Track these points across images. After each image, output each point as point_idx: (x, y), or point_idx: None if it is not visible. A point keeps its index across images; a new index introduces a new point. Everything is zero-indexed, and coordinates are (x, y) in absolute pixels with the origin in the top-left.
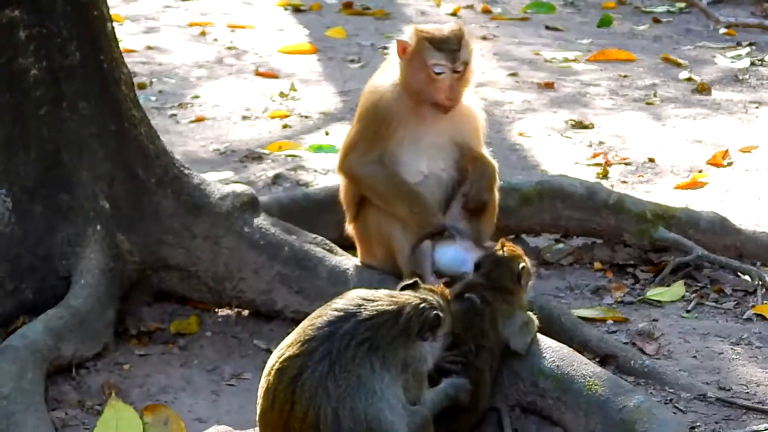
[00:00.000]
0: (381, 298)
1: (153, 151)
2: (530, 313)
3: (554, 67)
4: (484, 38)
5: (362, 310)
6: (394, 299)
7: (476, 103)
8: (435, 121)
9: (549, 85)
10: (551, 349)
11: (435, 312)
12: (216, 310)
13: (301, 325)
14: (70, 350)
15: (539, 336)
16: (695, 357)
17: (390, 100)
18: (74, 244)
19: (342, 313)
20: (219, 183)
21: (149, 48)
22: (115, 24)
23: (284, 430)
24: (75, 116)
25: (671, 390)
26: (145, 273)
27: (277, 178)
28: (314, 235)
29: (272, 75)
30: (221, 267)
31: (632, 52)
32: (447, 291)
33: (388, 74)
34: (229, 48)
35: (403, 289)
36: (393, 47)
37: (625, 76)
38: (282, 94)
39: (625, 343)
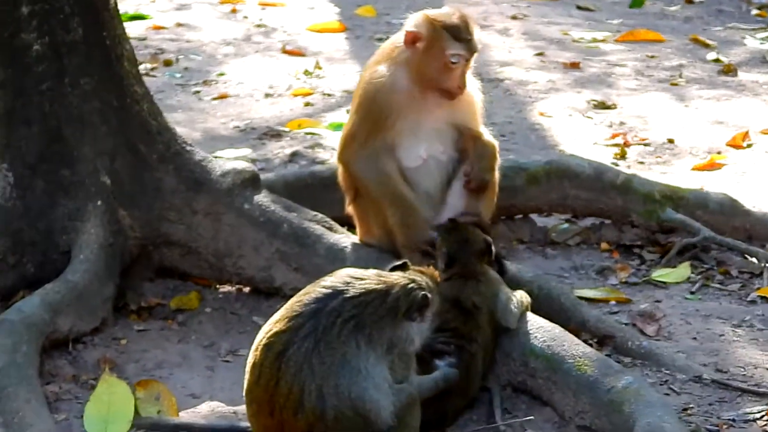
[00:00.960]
0: (370, 277)
1: (155, 127)
2: (521, 292)
3: (582, 47)
4: (514, 18)
5: (350, 288)
6: (382, 279)
7: (473, 84)
8: (435, 106)
9: (575, 65)
10: (542, 328)
11: (423, 292)
12: (217, 286)
13: (289, 302)
14: (67, 325)
15: (531, 315)
16: (695, 338)
17: (389, 91)
18: (75, 219)
19: (330, 291)
20: (221, 160)
21: (179, 25)
22: (147, 0)
23: (269, 406)
24: (77, 91)
25: (667, 371)
26: (147, 248)
27: (293, 156)
28: (314, 213)
29: (299, 53)
30: (222, 243)
31: (662, 32)
32: (436, 273)
33: (385, 62)
34: (258, 26)
35: (393, 269)
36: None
37: (652, 57)
38: (306, 72)
39: (626, 324)
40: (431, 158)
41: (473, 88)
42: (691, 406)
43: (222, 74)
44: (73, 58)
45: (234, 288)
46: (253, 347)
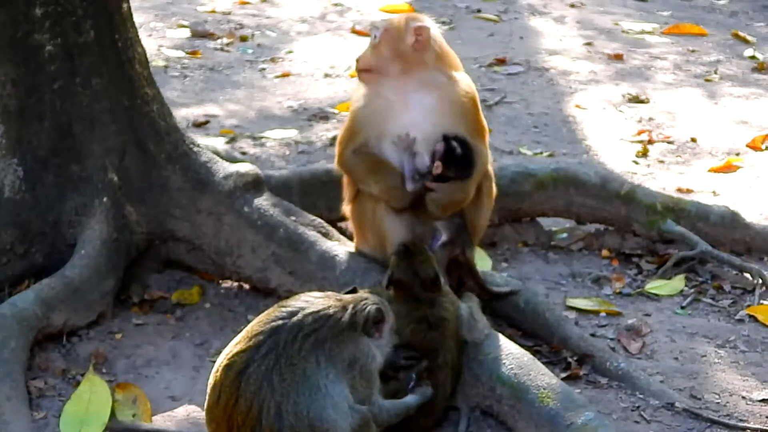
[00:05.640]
0: (327, 296)
1: (164, 127)
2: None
3: (629, 39)
4: (572, 5)
5: (309, 305)
6: (338, 298)
7: (461, 88)
8: (415, 112)
9: (618, 57)
10: (512, 355)
11: (377, 306)
12: (219, 281)
13: (249, 324)
14: (61, 319)
15: (503, 339)
16: (677, 358)
17: (364, 100)
18: (81, 214)
19: (291, 309)
20: (226, 162)
21: (263, 1)
22: None
23: (228, 424)
24: (87, 91)
25: (641, 396)
26: (154, 243)
27: (334, 140)
28: (313, 217)
29: (366, 33)
30: (223, 242)
31: (706, 26)
32: (387, 293)
33: None
34: (335, 4)
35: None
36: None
37: (693, 51)
38: None
39: (612, 339)
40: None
41: (461, 90)
42: None
43: (290, 52)
44: (84, 59)
45: (235, 284)
46: (214, 369)
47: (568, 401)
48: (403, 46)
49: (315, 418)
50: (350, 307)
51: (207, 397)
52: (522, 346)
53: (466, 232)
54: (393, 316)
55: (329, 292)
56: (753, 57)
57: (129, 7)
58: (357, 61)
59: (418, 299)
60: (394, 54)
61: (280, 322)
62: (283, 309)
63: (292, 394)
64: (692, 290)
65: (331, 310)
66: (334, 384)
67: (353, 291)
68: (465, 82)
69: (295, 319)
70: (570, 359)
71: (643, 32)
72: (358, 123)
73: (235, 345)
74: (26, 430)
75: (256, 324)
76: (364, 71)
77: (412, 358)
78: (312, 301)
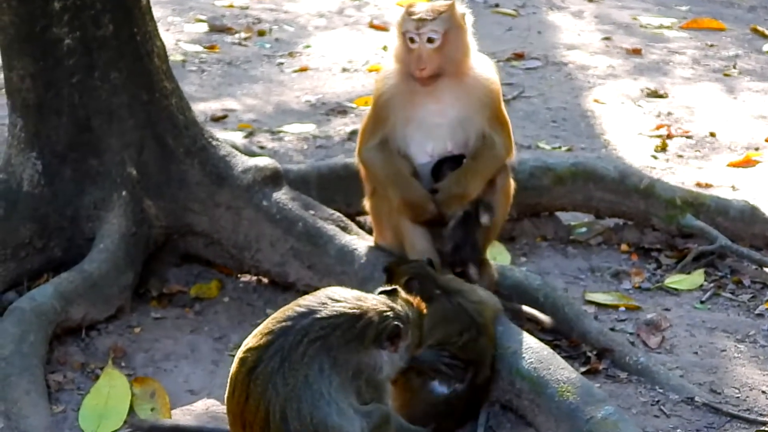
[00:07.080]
0: (347, 300)
1: (183, 121)
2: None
3: (647, 33)
4: (590, 0)
5: (323, 308)
6: (360, 302)
7: (486, 77)
8: (437, 99)
9: (636, 52)
10: (531, 349)
11: (396, 323)
12: (238, 276)
13: (269, 317)
14: (80, 313)
15: (523, 334)
16: (696, 353)
17: (388, 83)
18: (100, 208)
19: (304, 310)
20: (245, 156)
21: None
22: None
23: (241, 420)
24: (106, 85)
25: (660, 390)
26: (172, 237)
27: (352, 134)
28: (332, 211)
29: (384, 28)
30: (241, 237)
31: (725, 21)
32: (423, 305)
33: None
34: None
35: (381, 293)
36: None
37: (711, 46)
38: (385, 48)
39: (631, 333)
40: (439, 156)
41: (485, 79)
42: (678, 431)
43: (308, 46)
44: (103, 53)
45: (254, 278)
46: (235, 359)
47: (587, 396)
48: None
49: (319, 423)
50: (367, 316)
51: (227, 387)
52: (541, 340)
53: (474, 248)
54: (416, 333)
55: (355, 293)
56: None
57: (148, 1)
58: None
59: (448, 293)
60: None
61: (290, 323)
62: (297, 308)
63: (294, 399)
64: (711, 285)
65: (342, 318)
66: (338, 391)
67: (393, 291)
68: (491, 70)
69: (304, 322)
70: (589, 354)
71: (661, 27)
72: (384, 108)
73: (252, 338)
74: (45, 423)
75: (272, 320)
76: None
77: (451, 366)
78: (329, 304)
